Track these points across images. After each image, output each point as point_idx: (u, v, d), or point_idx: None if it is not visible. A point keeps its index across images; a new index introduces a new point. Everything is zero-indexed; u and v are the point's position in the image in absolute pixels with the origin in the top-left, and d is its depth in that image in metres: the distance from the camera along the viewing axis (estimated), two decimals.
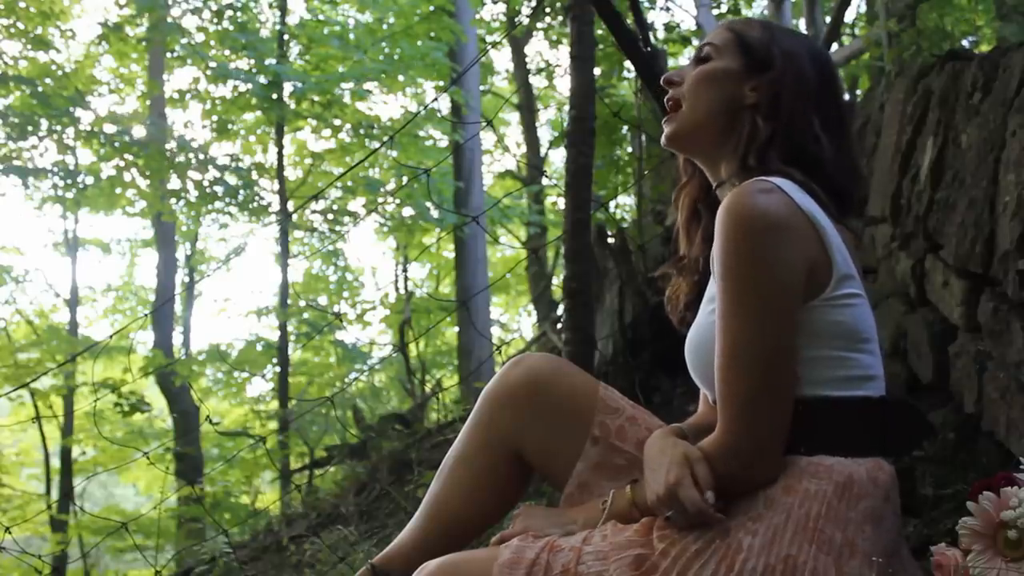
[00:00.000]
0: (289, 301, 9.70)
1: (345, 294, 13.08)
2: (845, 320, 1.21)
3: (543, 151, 12.06)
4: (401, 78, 10.06)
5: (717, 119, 1.34)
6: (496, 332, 14.03)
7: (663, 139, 1.39)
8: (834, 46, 6.29)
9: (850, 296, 1.22)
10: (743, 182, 1.23)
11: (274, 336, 10.61)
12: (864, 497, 1.16)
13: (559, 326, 6.61)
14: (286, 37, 9.87)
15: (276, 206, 10.04)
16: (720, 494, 1.16)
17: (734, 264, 1.18)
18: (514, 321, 15.77)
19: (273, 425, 9.70)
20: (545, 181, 10.42)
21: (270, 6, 10.12)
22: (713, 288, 1.27)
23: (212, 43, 9.69)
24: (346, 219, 10.46)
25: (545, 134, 12.46)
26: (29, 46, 9.77)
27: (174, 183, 9.96)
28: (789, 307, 1.17)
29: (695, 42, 6.52)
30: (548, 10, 8.36)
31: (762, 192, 1.19)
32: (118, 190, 10.13)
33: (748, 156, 1.29)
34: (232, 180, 9.99)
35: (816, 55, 1.36)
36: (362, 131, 9.97)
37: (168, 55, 10.20)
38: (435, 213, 9.45)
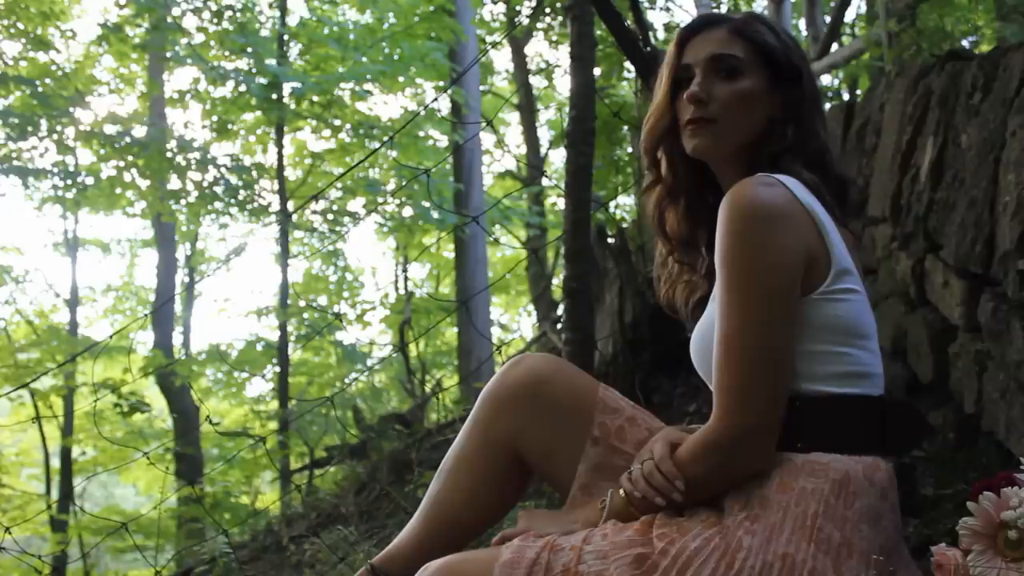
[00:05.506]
0: (289, 301, 9.69)
1: (345, 294, 13.07)
2: (842, 315, 1.22)
3: (543, 151, 12.06)
4: (401, 78, 10.05)
5: (756, 136, 1.33)
6: (496, 332, 14.02)
7: (692, 149, 1.34)
8: (834, 46, 6.29)
9: (848, 291, 1.23)
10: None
11: (274, 336, 10.60)
12: (860, 496, 1.16)
13: (559, 326, 6.61)
14: (286, 37, 9.87)
15: (276, 206, 10.03)
16: (709, 486, 1.20)
17: (732, 252, 1.19)
18: (514, 321, 15.76)
19: (273, 425, 9.69)
20: (545, 181, 10.41)
21: (270, 6, 10.11)
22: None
23: (212, 43, 9.68)
24: (346, 219, 10.45)
25: (545, 134, 12.46)
26: (29, 46, 9.76)
27: (174, 183, 9.95)
28: (787, 296, 1.18)
29: None
30: (548, 10, 8.36)
31: (764, 185, 1.21)
32: (118, 190, 10.11)
33: (778, 158, 1.30)
34: (232, 180, 9.98)
35: (805, 58, 1.40)
36: (362, 131, 9.97)
37: (168, 55, 10.19)
38: (435, 213, 9.44)
